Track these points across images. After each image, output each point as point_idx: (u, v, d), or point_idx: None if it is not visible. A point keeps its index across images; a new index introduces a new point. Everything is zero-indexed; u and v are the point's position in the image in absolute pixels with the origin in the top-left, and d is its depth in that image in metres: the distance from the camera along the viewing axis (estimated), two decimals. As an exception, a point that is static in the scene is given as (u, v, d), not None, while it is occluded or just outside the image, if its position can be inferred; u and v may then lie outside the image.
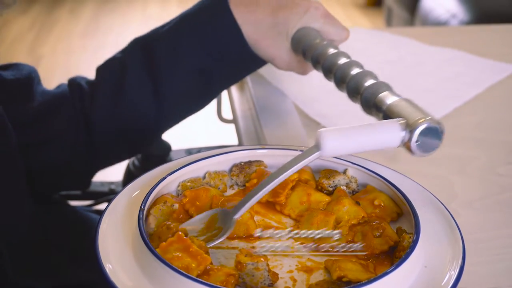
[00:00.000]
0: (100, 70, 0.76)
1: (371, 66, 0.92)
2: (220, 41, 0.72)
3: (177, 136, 1.25)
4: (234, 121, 0.89)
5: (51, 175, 0.74)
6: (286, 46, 0.72)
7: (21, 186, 0.66)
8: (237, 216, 0.49)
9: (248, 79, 0.88)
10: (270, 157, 0.58)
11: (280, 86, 0.85)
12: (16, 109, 0.69)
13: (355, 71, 0.63)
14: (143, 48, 0.74)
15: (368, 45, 1.01)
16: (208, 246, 0.47)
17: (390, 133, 0.50)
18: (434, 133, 0.49)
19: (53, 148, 0.72)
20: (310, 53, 0.69)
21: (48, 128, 0.71)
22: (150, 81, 0.72)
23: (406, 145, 0.50)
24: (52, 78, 2.91)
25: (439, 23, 2.53)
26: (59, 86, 0.76)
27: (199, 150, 0.99)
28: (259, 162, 0.58)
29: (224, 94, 0.95)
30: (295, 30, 0.72)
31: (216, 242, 0.48)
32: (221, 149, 0.58)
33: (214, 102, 1.00)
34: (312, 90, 0.85)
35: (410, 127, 0.49)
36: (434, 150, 0.50)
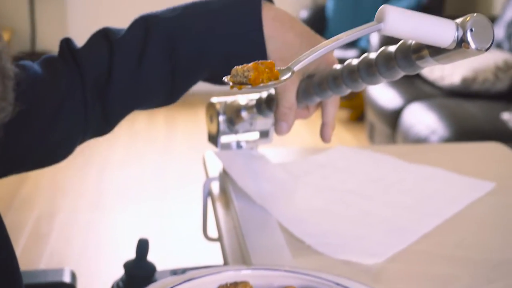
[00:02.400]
0: (117, 54, 0.74)
1: (354, 184, 0.95)
2: (244, 51, 0.74)
3: (163, 256, 1.24)
4: (219, 239, 0.90)
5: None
6: (296, 75, 0.74)
7: None
8: (295, 68, 0.53)
9: (233, 197, 0.90)
10: (256, 278, 0.58)
11: (265, 204, 0.86)
12: None
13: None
14: (167, 41, 0.74)
15: (351, 163, 1.04)
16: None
17: (447, 27, 0.54)
18: (484, 23, 0.54)
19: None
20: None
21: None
22: (170, 80, 0.75)
23: (462, 39, 0.53)
24: (38, 194, 2.91)
25: (420, 139, 2.59)
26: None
27: (184, 270, 0.99)
28: (244, 283, 0.58)
29: (210, 211, 0.96)
30: (311, 71, 0.76)
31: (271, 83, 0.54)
32: (207, 270, 0.59)
33: (200, 220, 1.00)
34: (297, 209, 0.86)
35: (462, 23, 0.54)
36: (491, 41, 0.54)
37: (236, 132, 0.93)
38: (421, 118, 2.69)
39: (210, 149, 0.98)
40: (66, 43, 0.75)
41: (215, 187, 0.97)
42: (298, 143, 3.59)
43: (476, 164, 1.07)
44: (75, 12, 4.44)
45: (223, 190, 0.95)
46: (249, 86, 0.56)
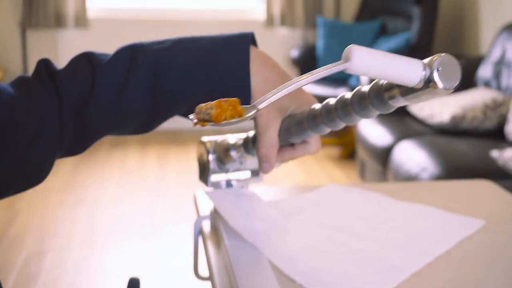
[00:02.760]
0: (101, 76, 0.75)
1: (344, 222, 0.95)
2: (228, 88, 0.75)
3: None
4: (210, 278, 0.90)
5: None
6: (277, 115, 0.76)
7: None
8: (261, 106, 0.53)
9: (224, 235, 0.90)
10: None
11: (256, 243, 0.86)
12: None
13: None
14: (153, 73, 0.75)
15: (342, 201, 1.04)
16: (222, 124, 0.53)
17: (414, 66, 0.54)
18: (451, 63, 0.54)
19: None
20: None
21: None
22: (149, 111, 0.76)
23: (429, 78, 0.54)
24: (27, 233, 2.89)
25: (411, 176, 2.60)
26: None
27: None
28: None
29: (201, 250, 0.96)
30: (291, 110, 0.77)
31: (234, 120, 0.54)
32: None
33: (191, 258, 1.00)
34: (288, 247, 0.86)
35: (429, 63, 0.54)
36: (458, 80, 0.54)
37: (226, 171, 0.93)
38: (412, 155, 2.71)
39: (201, 187, 0.98)
40: (44, 64, 0.76)
41: (206, 226, 0.97)
42: (289, 181, 3.60)
43: (466, 202, 1.08)
44: (67, 51, 4.48)
45: (214, 228, 0.95)
46: (212, 123, 0.57)
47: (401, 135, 2.95)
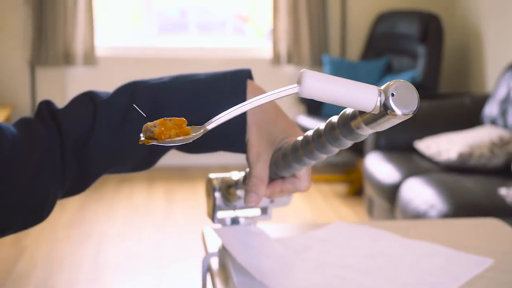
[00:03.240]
0: (103, 111, 0.76)
1: (353, 260, 0.95)
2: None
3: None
4: (218, 316, 0.89)
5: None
6: (268, 147, 0.77)
7: None
8: (209, 127, 0.54)
9: (233, 272, 0.90)
10: None
11: (265, 280, 0.86)
12: None
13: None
14: (152, 106, 0.77)
15: (350, 239, 1.04)
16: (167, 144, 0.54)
17: (369, 92, 0.54)
18: (407, 88, 0.54)
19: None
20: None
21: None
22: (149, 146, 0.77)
23: (385, 104, 0.53)
24: (34, 269, 2.88)
25: (418, 213, 2.59)
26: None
27: None
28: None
29: (209, 287, 0.95)
30: (283, 143, 0.77)
31: (178, 139, 0.54)
32: None
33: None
34: (296, 284, 0.86)
35: (384, 88, 0.54)
36: (416, 106, 0.54)
37: (234, 208, 0.94)
38: (420, 193, 2.70)
39: (209, 223, 0.99)
40: (46, 105, 0.78)
41: (215, 263, 0.97)
42: (296, 218, 3.58)
43: (474, 240, 1.08)
44: (75, 88, 4.51)
45: (223, 265, 0.95)
46: (155, 141, 0.58)
47: (408, 172, 2.95)
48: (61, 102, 0.82)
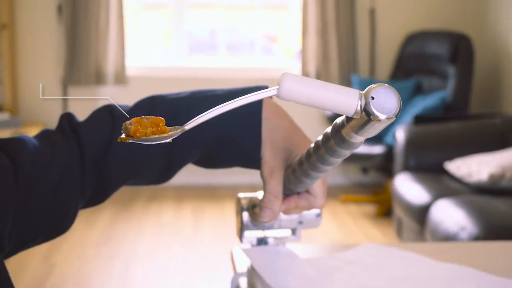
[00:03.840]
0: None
1: (382, 282, 0.94)
2: (239, 133, 0.78)
3: None
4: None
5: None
6: (281, 163, 0.77)
7: None
8: (187, 127, 0.54)
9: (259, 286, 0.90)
10: None
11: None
12: None
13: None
14: (170, 119, 0.79)
15: (378, 260, 1.03)
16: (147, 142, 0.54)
17: (349, 95, 0.53)
18: (387, 92, 0.53)
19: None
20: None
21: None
22: (166, 157, 0.79)
23: (365, 108, 0.53)
24: (64, 286, 2.90)
25: (449, 235, 2.56)
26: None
27: None
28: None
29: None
30: (295, 159, 0.77)
31: (154, 137, 0.54)
32: None
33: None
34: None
35: (365, 92, 0.53)
36: (397, 109, 0.53)
37: (263, 228, 0.94)
38: (450, 214, 2.67)
39: (237, 242, 0.99)
40: (67, 117, 0.80)
41: (243, 283, 0.97)
42: (325, 239, 3.56)
43: (506, 263, 1.06)
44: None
45: (251, 286, 0.95)
46: (131, 138, 0.58)
47: (438, 194, 2.92)
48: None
